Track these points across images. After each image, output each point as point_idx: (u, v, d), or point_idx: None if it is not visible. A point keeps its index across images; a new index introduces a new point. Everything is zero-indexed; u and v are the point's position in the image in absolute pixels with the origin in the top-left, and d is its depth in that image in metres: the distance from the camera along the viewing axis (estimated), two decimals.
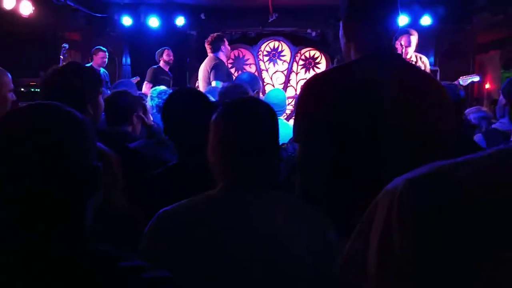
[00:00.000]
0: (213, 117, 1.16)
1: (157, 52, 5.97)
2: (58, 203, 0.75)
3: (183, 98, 1.62)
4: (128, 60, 7.44)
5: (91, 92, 1.70)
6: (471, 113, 2.83)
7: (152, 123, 2.45)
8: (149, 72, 5.75)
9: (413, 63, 4.18)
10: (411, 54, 4.34)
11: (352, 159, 1.29)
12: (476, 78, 4.92)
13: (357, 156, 1.29)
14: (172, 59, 5.99)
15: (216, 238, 1.06)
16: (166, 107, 1.60)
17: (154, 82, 5.41)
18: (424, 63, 4.43)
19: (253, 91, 2.66)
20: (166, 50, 5.95)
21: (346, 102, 1.29)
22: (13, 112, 0.81)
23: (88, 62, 6.26)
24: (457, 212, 0.48)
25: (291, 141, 2.50)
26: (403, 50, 4.25)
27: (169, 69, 5.98)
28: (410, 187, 0.52)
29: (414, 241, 0.49)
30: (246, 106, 1.20)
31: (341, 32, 1.46)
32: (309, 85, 1.39)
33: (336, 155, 1.29)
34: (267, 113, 1.18)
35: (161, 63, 5.93)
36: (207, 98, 1.64)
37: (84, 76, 1.70)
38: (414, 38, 4.23)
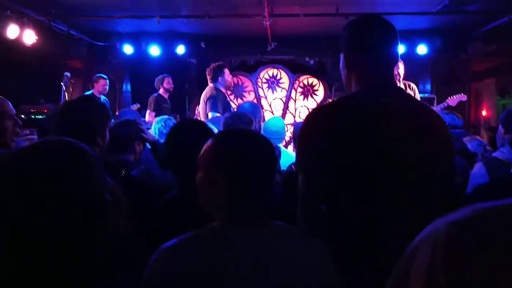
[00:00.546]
0: (210, 147, 1.16)
1: (156, 79, 5.97)
2: (69, 238, 0.76)
3: (186, 129, 1.64)
4: (129, 87, 7.52)
5: (101, 126, 1.77)
6: (467, 142, 2.85)
7: (155, 138, 2.48)
8: (151, 101, 5.72)
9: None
10: (399, 82, 4.42)
11: (354, 190, 1.30)
12: (464, 98, 5.07)
13: (359, 187, 1.29)
14: (172, 86, 6.00)
15: (221, 274, 1.04)
16: (169, 137, 1.62)
17: (158, 111, 5.41)
18: (414, 89, 4.50)
19: (255, 120, 2.70)
20: (166, 78, 5.95)
21: (347, 133, 1.30)
22: (30, 148, 0.82)
23: (89, 89, 6.32)
24: (509, 254, 0.47)
25: (289, 167, 2.52)
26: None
27: (168, 96, 6.01)
28: (457, 230, 0.50)
29: (464, 285, 0.48)
30: (247, 139, 1.19)
31: (341, 63, 1.48)
32: (311, 118, 1.40)
33: (336, 186, 1.30)
34: (267, 146, 1.19)
35: (161, 91, 5.92)
36: (210, 129, 1.67)
37: (96, 110, 1.78)
38: (402, 66, 4.31)
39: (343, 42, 1.46)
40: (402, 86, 4.46)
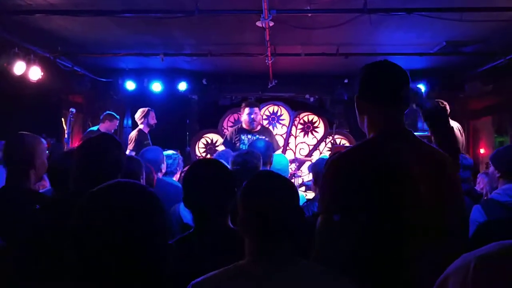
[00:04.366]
0: (244, 191, 1.20)
1: (140, 112, 5.55)
2: (136, 281, 0.77)
3: (204, 167, 1.66)
4: (130, 122, 7.56)
5: (122, 163, 1.76)
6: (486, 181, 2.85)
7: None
8: (133, 138, 5.38)
9: None
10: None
11: (372, 234, 1.33)
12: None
13: (376, 231, 1.32)
14: (155, 122, 5.63)
15: None
16: (187, 176, 1.64)
17: (138, 149, 4.84)
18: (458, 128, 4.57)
19: (267, 156, 2.72)
20: (151, 112, 5.58)
21: (364, 180, 1.35)
22: (99, 191, 0.84)
23: (90, 124, 6.34)
24: None
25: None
26: None
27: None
28: (484, 264, 0.54)
29: None
30: (275, 182, 1.24)
31: (355, 105, 1.54)
32: (331, 165, 1.46)
33: (356, 230, 1.32)
34: (292, 189, 1.23)
35: (143, 126, 5.52)
36: (226, 167, 1.69)
37: (120, 147, 1.76)
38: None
39: (356, 86, 1.52)
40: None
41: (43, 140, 2.18)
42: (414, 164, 1.37)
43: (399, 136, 1.44)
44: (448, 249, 1.31)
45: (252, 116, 4.70)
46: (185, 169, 2.70)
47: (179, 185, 2.89)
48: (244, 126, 4.81)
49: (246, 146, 4.40)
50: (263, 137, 4.70)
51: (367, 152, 1.44)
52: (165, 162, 3.24)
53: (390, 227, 1.32)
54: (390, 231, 1.32)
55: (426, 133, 6.52)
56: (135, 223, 0.79)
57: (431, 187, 1.36)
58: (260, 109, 5.05)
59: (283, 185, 1.23)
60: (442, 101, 3.95)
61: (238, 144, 4.72)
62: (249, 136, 4.71)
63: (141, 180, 2.35)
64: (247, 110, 4.73)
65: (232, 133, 4.88)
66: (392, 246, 1.32)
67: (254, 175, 1.30)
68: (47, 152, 2.19)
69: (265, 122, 7.37)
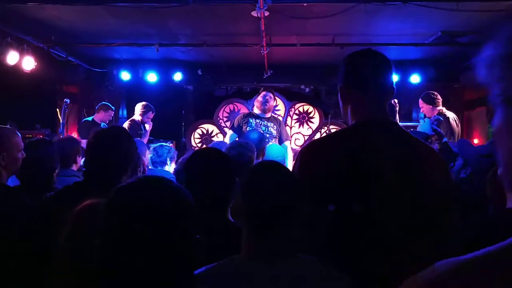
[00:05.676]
0: (245, 183, 1.18)
1: (141, 105, 5.64)
2: (169, 276, 0.77)
3: (204, 158, 1.66)
4: (125, 113, 7.53)
5: (135, 154, 1.80)
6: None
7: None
8: (126, 127, 5.22)
9: None
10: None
11: (349, 223, 1.31)
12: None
13: (354, 220, 1.31)
14: (151, 123, 5.69)
15: None
16: (187, 167, 1.64)
17: None
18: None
19: (259, 149, 2.72)
20: (152, 112, 5.65)
21: (339, 169, 1.33)
22: (129, 186, 0.83)
23: (85, 115, 6.30)
24: None
25: None
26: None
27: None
28: None
29: None
30: (277, 175, 1.20)
31: (339, 94, 1.53)
32: (304, 153, 1.44)
33: (326, 220, 1.31)
34: (292, 180, 1.21)
35: (138, 118, 5.57)
36: (226, 158, 1.69)
37: (131, 140, 1.79)
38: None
39: (340, 76, 1.51)
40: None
41: (15, 133, 2.02)
42: (392, 153, 1.34)
43: (380, 125, 1.42)
44: (426, 242, 1.28)
45: (266, 97, 4.83)
46: (180, 160, 2.69)
47: (172, 175, 2.89)
48: (256, 109, 4.93)
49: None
50: (272, 125, 4.77)
51: (343, 138, 1.42)
52: (147, 156, 3.22)
53: (360, 218, 1.29)
54: (362, 223, 1.29)
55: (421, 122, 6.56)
56: (167, 219, 0.79)
57: (409, 178, 1.33)
58: (255, 99, 5.10)
59: (286, 178, 1.20)
60: (434, 92, 4.01)
61: (245, 127, 4.76)
62: (257, 120, 4.76)
63: (139, 173, 2.35)
64: (263, 93, 4.90)
65: (240, 117, 4.95)
66: (365, 239, 1.29)
67: (257, 166, 1.29)
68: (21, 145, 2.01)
69: None
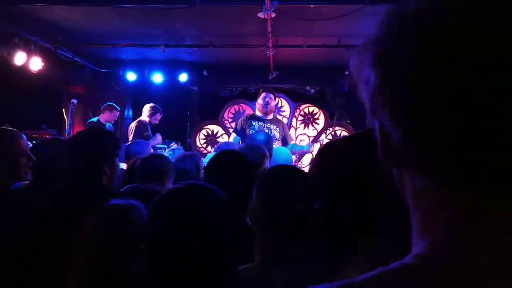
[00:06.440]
0: (261, 187, 1.18)
1: (150, 106, 5.62)
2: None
3: (225, 158, 1.67)
4: (130, 113, 7.55)
5: (109, 155, 1.86)
6: None
7: None
8: (133, 128, 5.39)
9: None
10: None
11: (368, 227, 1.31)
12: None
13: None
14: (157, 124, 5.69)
15: None
16: (208, 169, 1.64)
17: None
18: None
19: (268, 150, 2.72)
20: (160, 114, 5.63)
21: (347, 171, 1.32)
22: (174, 191, 0.86)
23: (90, 116, 6.33)
24: None
25: None
26: None
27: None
28: None
29: None
30: (292, 179, 1.20)
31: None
32: (320, 152, 1.43)
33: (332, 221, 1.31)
34: (310, 184, 1.20)
35: (145, 119, 5.54)
36: (247, 159, 1.69)
37: (104, 140, 1.88)
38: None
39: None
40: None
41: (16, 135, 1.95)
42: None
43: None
44: None
45: (267, 99, 4.75)
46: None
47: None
48: (257, 111, 4.86)
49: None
50: (275, 127, 4.73)
51: (360, 141, 1.42)
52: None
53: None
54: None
55: None
56: (212, 223, 0.81)
57: None
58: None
59: (304, 182, 1.16)
60: None
61: (248, 130, 4.70)
62: (260, 123, 4.72)
63: (167, 182, 2.22)
64: (262, 94, 4.81)
65: (243, 120, 4.88)
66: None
67: (274, 169, 1.28)
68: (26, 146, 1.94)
69: None
